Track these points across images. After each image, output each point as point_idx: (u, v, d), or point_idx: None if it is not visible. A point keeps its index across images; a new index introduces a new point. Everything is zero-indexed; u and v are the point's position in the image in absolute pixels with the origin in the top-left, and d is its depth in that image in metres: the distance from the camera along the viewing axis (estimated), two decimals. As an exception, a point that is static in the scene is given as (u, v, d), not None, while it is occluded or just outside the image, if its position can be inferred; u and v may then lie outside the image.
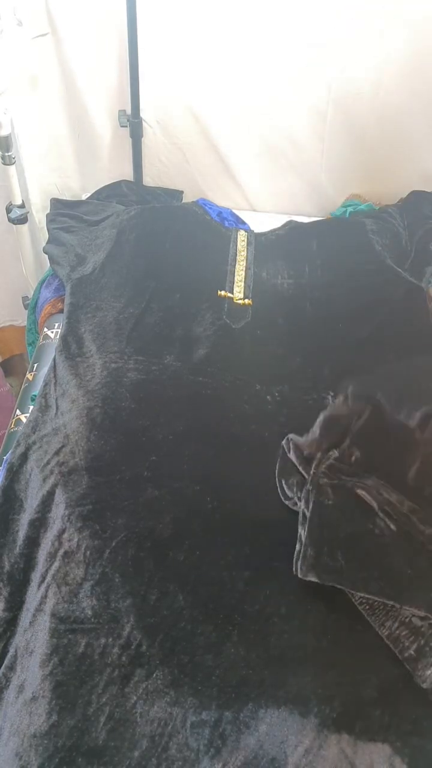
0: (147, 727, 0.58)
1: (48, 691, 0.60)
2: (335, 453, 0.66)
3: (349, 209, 1.31)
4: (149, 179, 1.40)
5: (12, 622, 0.68)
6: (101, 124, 1.31)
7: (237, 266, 1.09)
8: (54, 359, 0.93)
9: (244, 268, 1.09)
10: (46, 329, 1.10)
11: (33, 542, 0.72)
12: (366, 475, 0.64)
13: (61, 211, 1.24)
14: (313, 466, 0.67)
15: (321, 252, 1.14)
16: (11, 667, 0.64)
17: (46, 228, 1.22)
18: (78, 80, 1.24)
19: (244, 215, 1.32)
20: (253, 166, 1.35)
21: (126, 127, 1.29)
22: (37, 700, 0.60)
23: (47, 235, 1.20)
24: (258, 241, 1.17)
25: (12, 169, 1.23)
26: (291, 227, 1.20)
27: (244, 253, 1.12)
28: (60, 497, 0.73)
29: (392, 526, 0.61)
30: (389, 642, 0.60)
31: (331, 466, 0.66)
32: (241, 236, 1.16)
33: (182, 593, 0.66)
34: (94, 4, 1.15)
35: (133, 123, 1.28)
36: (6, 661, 0.65)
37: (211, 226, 1.18)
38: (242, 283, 1.06)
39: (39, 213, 1.38)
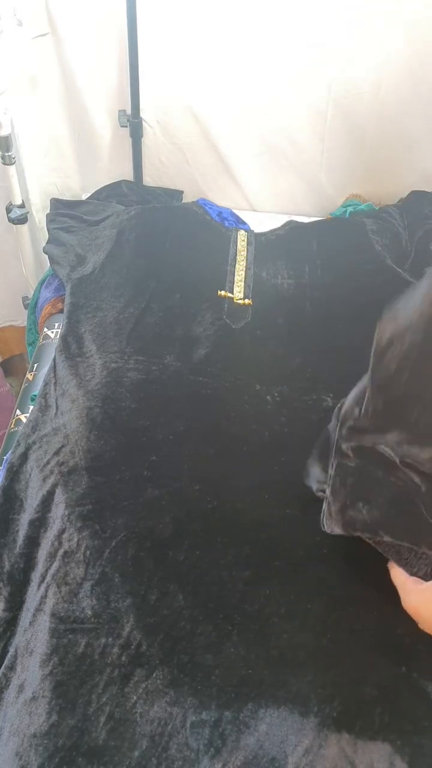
0: (147, 727, 0.58)
1: (48, 691, 0.60)
2: (356, 412, 0.65)
3: (349, 209, 1.31)
4: (149, 179, 1.40)
5: (12, 622, 0.68)
6: (101, 124, 1.31)
7: (237, 266, 1.09)
8: (54, 359, 0.93)
9: (244, 268, 1.09)
10: (46, 329, 1.10)
11: (33, 542, 0.72)
12: (390, 426, 0.62)
13: (61, 211, 1.24)
14: (336, 434, 0.66)
15: (321, 252, 1.14)
16: (11, 667, 0.64)
17: (46, 228, 1.21)
18: (78, 80, 1.24)
19: (244, 215, 1.32)
20: (253, 166, 1.35)
21: (126, 127, 1.29)
22: (37, 699, 0.60)
23: (47, 235, 1.20)
24: (258, 241, 1.17)
25: (12, 169, 1.23)
26: (291, 227, 1.20)
27: (244, 253, 1.12)
28: (60, 497, 0.73)
29: (416, 479, 0.60)
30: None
31: (351, 428, 0.65)
32: (241, 236, 1.16)
33: (182, 593, 0.66)
34: (94, 4, 1.15)
35: (133, 123, 1.29)
36: (6, 661, 0.65)
37: (211, 226, 1.18)
38: (242, 283, 1.06)
39: (39, 213, 1.38)
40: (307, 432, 0.84)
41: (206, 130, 1.29)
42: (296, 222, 1.22)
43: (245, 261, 1.11)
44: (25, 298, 1.47)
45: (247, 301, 1.03)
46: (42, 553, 0.70)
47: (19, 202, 1.29)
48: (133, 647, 0.62)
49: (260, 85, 1.23)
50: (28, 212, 1.31)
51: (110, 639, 0.63)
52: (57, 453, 0.78)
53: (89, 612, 0.64)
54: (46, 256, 1.15)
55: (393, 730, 0.58)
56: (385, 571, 0.65)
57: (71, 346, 0.93)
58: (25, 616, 0.67)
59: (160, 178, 1.40)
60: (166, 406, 0.85)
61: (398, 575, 0.63)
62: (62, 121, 1.30)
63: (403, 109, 1.23)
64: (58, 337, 0.98)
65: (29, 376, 1.03)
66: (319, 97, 1.24)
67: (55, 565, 0.68)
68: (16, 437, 0.84)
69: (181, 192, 1.41)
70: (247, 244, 1.14)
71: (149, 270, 1.05)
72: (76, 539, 0.69)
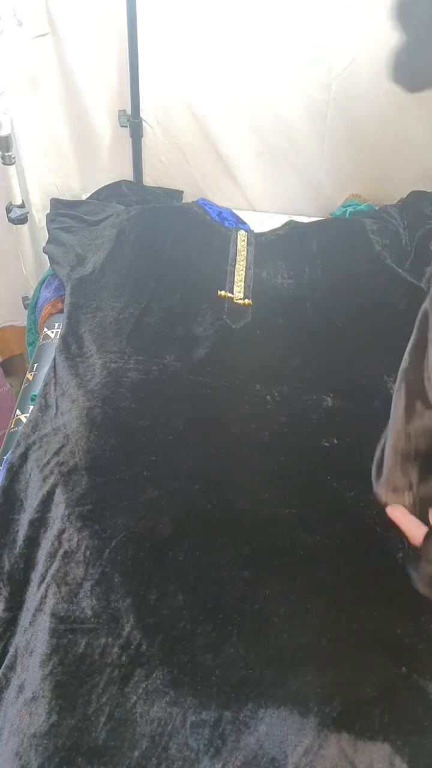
0: (147, 727, 0.58)
1: (48, 691, 0.60)
2: None
3: (349, 209, 1.31)
4: (149, 179, 1.40)
5: (12, 622, 0.68)
6: (101, 124, 1.31)
7: (237, 266, 1.09)
8: (54, 359, 0.93)
9: (244, 268, 1.09)
10: (46, 329, 1.10)
11: (33, 542, 0.72)
12: None
13: (61, 211, 1.24)
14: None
15: (321, 252, 1.14)
16: (11, 667, 0.64)
17: (46, 228, 1.22)
18: (78, 80, 1.24)
19: (244, 215, 1.32)
20: (253, 166, 1.35)
21: (126, 127, 1.30)
22: (37, 699, 0.60)
23: (47, 235, 1.20)
24: (258, 241, 1.17)
25: (12, 169, 1.23)
26: (291, 227, 1.20)
27: (244, 253, 1.12)
28: (60, 497, 0.73)
29: None
30: None
31: None
32: (241, 236, 1.16)
33: (182, 593, 0.66)
34: (94, 4, 1.15)
35: (133, 123, 1.29)
36: (6, 661, 0.65)
37: (212, 226, 1.18)
38: (242, 283, 1.06)
39: (39, 213, 1.38)
40: (307, 432, 0.84)
41: (206, 130, 1.29)
42: (296, 222, 1.22)
43: (245, 261, 1.11)
44: (25, 298, 1.47)
45: (247, 301, 1.03)
46: (42, 553, 0.70)
47: (19, 202, 1.29)
48: (133, 647, 0.62)
49: (260, 85, 1.23)
50: (28, 212, 1.31)
51: (110, 639, 0.63)
52: (57, 453, 0.78)
53: (89, 612, 0.64)
54: (46, 256, 1.15)
55: (393, 730, 0.58)
56: (385, 571, 0.65)
57: (71, 346, 0.93)
58: (25, 616, 0.67)
59: (160, 178, 1.40)
60: (166, 406, 0.85)
61: None
62: (62, 121, 1.30)
63: (403, 109, 1.23)
64: (58, 337, 0.98)
65: (29, 376, 1.03)
66: (319, 97, 1.24)
67: (55, 565, 0.68)
68: (16, 437, 0.84)
69: (181, 192, 1.41)
70: (247, 244, 1.14)
71: (149, 270, 1.05)
72: (76, 539, 0.69)
